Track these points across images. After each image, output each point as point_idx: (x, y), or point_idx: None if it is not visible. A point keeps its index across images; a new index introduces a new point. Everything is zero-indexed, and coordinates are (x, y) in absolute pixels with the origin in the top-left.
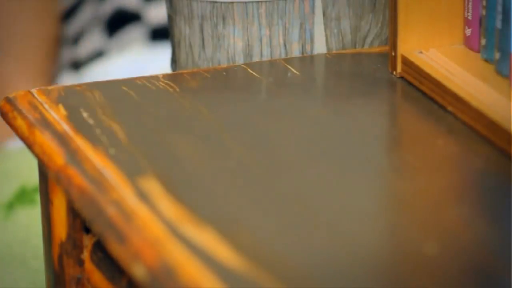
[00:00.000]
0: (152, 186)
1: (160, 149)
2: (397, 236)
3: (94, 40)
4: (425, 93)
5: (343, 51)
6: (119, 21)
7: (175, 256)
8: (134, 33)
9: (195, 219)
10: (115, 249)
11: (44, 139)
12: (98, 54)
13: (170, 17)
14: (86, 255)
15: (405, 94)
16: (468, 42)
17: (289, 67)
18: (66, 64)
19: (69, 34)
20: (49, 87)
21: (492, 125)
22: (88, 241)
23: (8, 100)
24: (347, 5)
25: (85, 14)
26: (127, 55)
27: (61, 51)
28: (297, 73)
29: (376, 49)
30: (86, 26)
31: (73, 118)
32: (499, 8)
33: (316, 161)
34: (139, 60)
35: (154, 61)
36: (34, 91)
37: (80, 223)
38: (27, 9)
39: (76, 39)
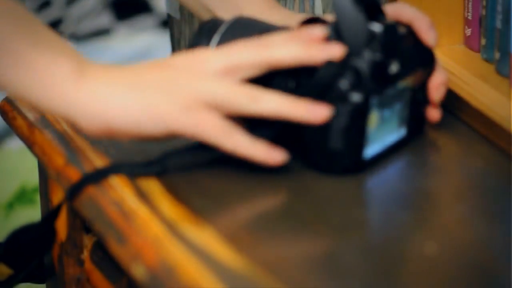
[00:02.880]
0: (152, 186)
1: (160, 149)
2: (396, 236)
3: (99, 18)
4: None
5: None
6: (127, 7)
7: (175, 256)
8: (145, 23)
9: (195, 219)
10: (115, 249)
11: (44, 139)
12: (103, 32)
13: (170, 16)
14: (86, 255)
15: None
16: (468, 42)
17: None
18: (64, 37)
19: (72, 13)
20: None
21: (492, 124)
22: (88, 241)
23: (8, 100)
24: None
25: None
26: (136, 38)
27: (62, 25)
28: None
29: None
30: (91, 7)
31: None
32: (499, 8)
33: None
34: (146, 43)
35: (160, 47)
36: None
37: (80, 222)
38: None
39: (79, 18)
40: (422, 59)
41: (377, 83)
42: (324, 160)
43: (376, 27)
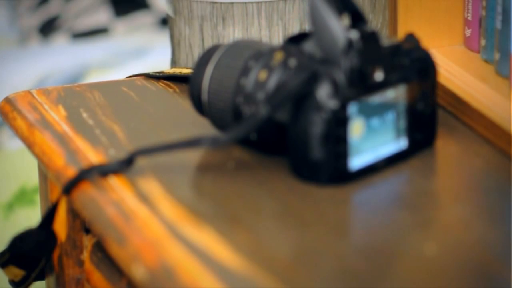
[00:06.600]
0: (152, 186)
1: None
2: (396, 236)
3: (97, 15)
4: None
5: None
6: (126, 3)
7: (175, 256)
8: (143, 20)
9: (195, 219)
10: (115, 249)
11: (44, 139)
12: (102, 30)
13: (169, 17)
14: (85, 255)
15: None
16: (468, 43)
17: None
18: (62, 33)
19: (70, 9)
20: (49, 88)
21: (492, 125)
22: (88, 242)
23: (8, 101)
24: None
25: None
26: (135, 37)
27: (58, 21)
28: None
29: None
30: (89, 3)
31: (73, 118)
32: (499, 8)
33: None
34: (145, 41)
35: (159, 44)
36: (34, 91)
37: (80, 223)
38: None
39: (77, 14)
40: (418, 69)
41: (356, 90)
42: (306, 170)
43: (355, 34)
